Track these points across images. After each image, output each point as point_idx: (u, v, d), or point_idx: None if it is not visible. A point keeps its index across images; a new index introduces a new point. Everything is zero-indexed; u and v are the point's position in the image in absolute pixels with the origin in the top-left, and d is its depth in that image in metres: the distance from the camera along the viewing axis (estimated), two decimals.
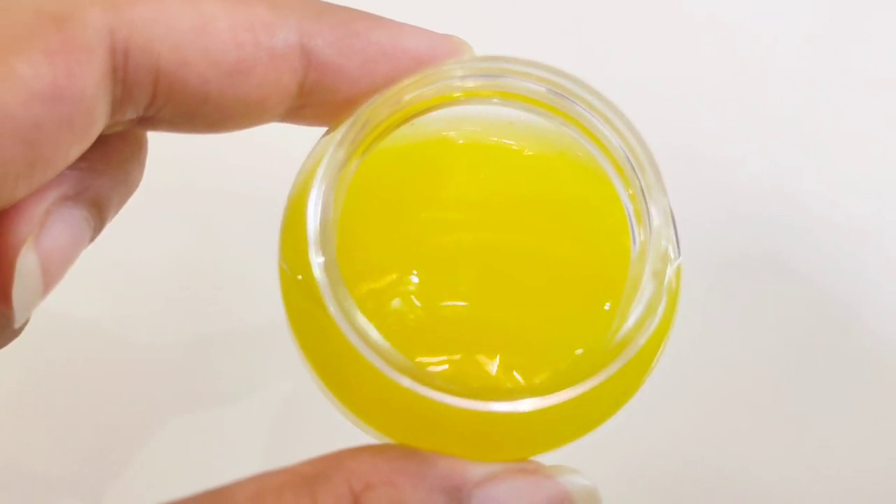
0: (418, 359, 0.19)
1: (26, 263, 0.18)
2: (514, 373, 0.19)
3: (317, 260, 0.17)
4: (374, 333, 0.17)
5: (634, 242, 0.19)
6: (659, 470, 0.31)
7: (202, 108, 0.18)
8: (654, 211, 0.19)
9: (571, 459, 0.19)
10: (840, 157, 0.37)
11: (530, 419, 0.17)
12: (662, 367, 0.20)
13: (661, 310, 0.18)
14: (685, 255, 0.20)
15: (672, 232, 0.19)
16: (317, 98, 0.19)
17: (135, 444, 0.30)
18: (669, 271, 0.19)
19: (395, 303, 0.20)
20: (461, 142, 0.21)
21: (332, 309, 0.17)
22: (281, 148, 0.22)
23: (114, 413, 0.31)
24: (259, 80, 0.18)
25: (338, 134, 0.18)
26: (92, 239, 0.19)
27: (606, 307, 0.20)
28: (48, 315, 0.21)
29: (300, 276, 0.18)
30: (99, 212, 0.19)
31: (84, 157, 0.19)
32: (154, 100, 0.18)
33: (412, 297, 0.20)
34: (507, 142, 0.21)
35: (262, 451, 0.30)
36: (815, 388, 0.33)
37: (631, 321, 0.18)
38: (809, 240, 0.35)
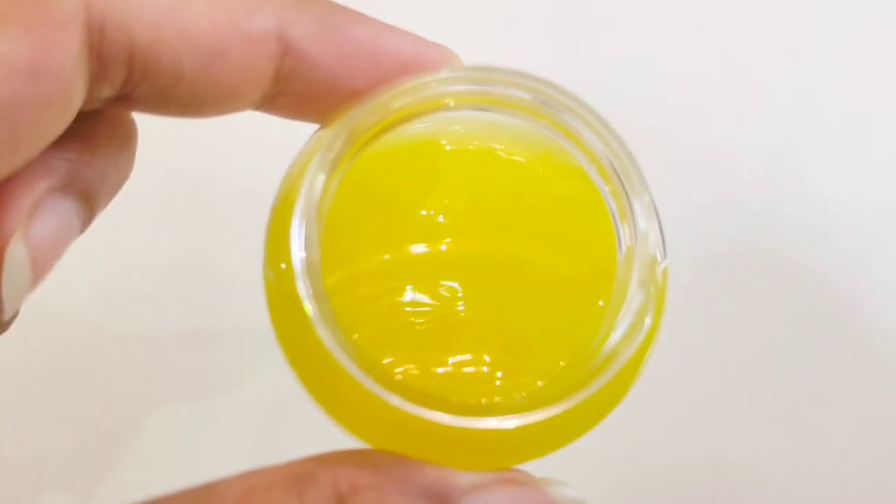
0: (404, 367, 0.19)
1: (15, 255, 0.17)
2: (499, 383, 0.19)
3: (305, 291, 0.17)
4: (361, 355, 0.17)
5: (620, 245, 0.19)
6: (649, 470, 0.31)
7: (176, 89, 0.18)
8: (637, 209, 0.18)
9: (553, 464, 0.19)
10: (835, 149, 0.37)
11: (516, 433, 0.17)
12: (653, 365, 0.19)
13: (648, 321, 0.18)
14: (677, 251, 0.20)
15: (658, 232, 0.19)
16: (293, 87, 0.19)
17: (124, 439, 0.30)
18: (657, 276, 0.18)
19: (379, 312, 0.20)
20: (447, 145, 0.21)
21: (322, 334, 0.17)
22: (277, 142, 0.21)
23: (103, 409, 0.31)
24: (234, 65, 0.18)
25: (323, 144, 0.18)
26: (82, 230, 0.19)
27: (600, 303, 0.20)
28: (37, 310, 0.21)
29: (288, 293, 0.18)
30: (89, 203, 0.19)
31: (73, 148, 0.18)
32: (130, 77, 0.18)
33: (397, 306, 0.20)
34: (493, 144, 0.21)
35: (251, 448, 0.30)
36: (810, 385, 0.33)
37: (618, 334, 0.18)
38: (804, 234, 0.35)
